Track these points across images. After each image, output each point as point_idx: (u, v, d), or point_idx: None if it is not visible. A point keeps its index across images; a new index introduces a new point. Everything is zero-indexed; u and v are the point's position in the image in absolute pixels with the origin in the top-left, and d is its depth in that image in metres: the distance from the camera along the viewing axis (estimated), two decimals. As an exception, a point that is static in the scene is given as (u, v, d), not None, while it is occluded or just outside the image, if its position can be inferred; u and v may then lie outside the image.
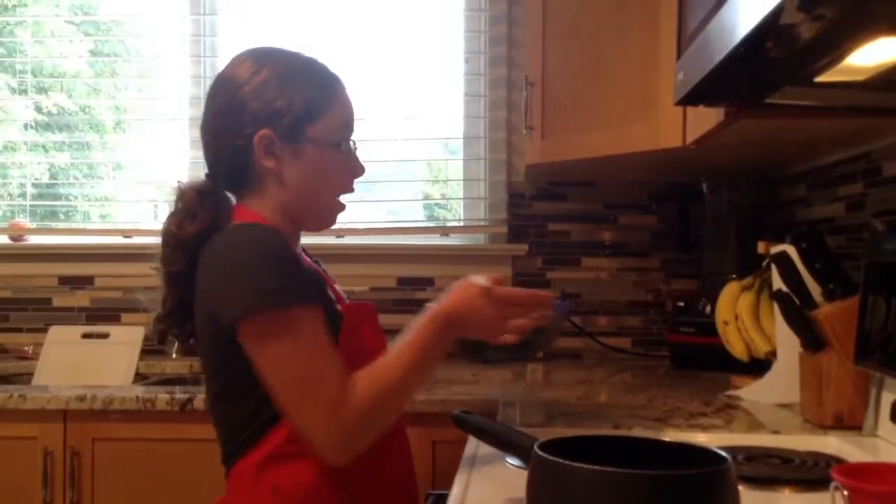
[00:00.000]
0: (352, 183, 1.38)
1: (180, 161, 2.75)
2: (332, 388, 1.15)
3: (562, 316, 1.39)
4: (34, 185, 2.88)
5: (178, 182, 1.34)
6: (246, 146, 1.27)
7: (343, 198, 1.38)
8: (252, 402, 1.22)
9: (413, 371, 1.21)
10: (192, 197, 1.30)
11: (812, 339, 1.51)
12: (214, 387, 1.29)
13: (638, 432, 1.47)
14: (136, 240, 2.71)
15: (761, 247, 1.82)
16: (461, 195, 2.80)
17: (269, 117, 1.27)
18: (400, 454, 1.40)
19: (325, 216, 1.38)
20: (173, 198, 1.32)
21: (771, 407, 1.70)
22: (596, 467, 0.76)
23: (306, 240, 1.46)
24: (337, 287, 1.41)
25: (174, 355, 2.54)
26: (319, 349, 1.18)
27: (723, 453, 0.80)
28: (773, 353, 1.77)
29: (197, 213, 1.30)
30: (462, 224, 2.78)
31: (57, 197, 2.92)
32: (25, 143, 2.89)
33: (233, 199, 1.36)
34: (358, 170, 1.38)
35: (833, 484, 0.90)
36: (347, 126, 1.35)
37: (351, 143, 1.36)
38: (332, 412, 1.15)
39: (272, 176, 1.30)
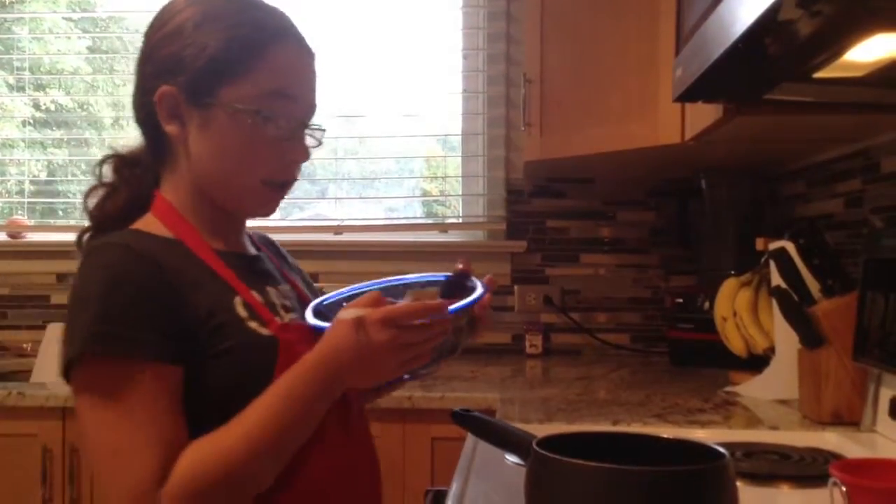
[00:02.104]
0: (286, 168, 1.07)
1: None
2: (139, 471, 0.89)
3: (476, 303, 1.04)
4: (32, 183, 2.88)
5: (111, 148, 1.14)
6: (152, 106, 1.03)
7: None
8: None
9: (268, 446, 0.92)
10: (113, 167, 1.11)
11: (810, 336, 1.51)
12: None
13: (637, 429, 1.47)
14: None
15: (760, 243, 1.82)
16: (460, 192, 2.80)
17: (173, 71, 1.02)
18: (367, 466, 1.15)
19: (248, 202, 1.08)
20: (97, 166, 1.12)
21: (769, 403, 1.70)
22: (594, 464, 0.76)
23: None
24: (280, 294, 1.11)
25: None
26: (136, 417, 0.91)
27: (721, 449, 0.80)
28: (772, 350, 1.78)
29: (118, 188, 1.10)
30: (461, 221, 2.78)
31: (55, 194, 2.92)
32: (23, 141, 2.88)
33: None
34: (297, 154, 1.07)
35: (831, 480, 0.90)
36: (285, 96, 1.04)
37: (290, 119, 1.05)
38: (138, 501, 0.88)
39: (180, 146, 1.05)
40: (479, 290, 1.04)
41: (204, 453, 0.90)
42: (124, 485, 0.89)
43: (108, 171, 1.11)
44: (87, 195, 1.11)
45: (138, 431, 0.90)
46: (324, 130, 1.12)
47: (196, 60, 1.01)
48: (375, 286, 1.13)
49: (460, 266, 1.09)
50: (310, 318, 1.04)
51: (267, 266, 1.16)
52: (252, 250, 1.16)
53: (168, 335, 0.94)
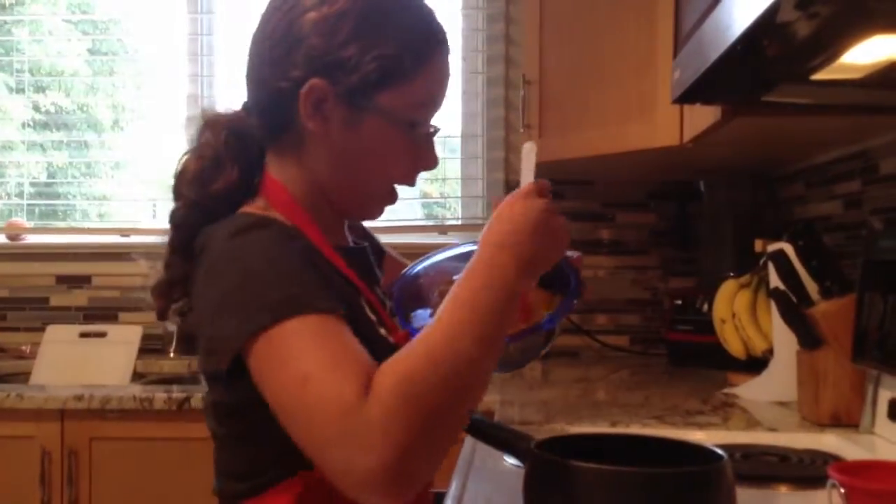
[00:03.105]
0: (415, 175, 1.05)
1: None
2: (337, 387, 0.78)
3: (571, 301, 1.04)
4: (32, 184, 2.88)
5: (205, 111, 1.06)
6: (290, 93, 0.95)
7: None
8: (266, 447, 0.92)
9: (470, 335, 0.82)
10: (220, 138, 1.00)
11: (809, 337, 1.51)
12: (218, 415, 1.00)
13: (635, 430, 1.47)
14: (135, 239, 2.70)
15: (758, 245, 1.82)
16: (459, 193, 2.80)
17: (331, 66, 0.94)
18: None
19: (370, 206, 1.06)
20: (197, 130, 1.03)
21: (768, 405, 1.70)
22: (593, 465, 0.76)
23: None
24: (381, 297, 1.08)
25: (171, 354, 2.54)
26: (325, 347, 0.82)
27: (719, 451, 0.81)
28: (771, 351, 1.77)
29: (223, 164, 0.99)
30: (460, 222, 2.78)
31: (55, 196, 2.92)
32: (23, 142, 2.88)
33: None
34: (429, 162, 1.04)
35: (830, 482, 0.90)
36: (433, 104, 1.01)
37: (431, 127, 1.03)
38: (345, 411, 0.77)
39: (315, 140, 0.98)
40: (573, 286, 1.03)
41: (403, 353, 0.82)
42: (324, 405, 0.78)
43: (217, 141, 1.01)
44: (183, 165, 1.01)
45: (326, 355, 0.81)
46: (438, 130, 1.05)
47: (362, 62, 0.94)
48: (454, 250, 1.14)
49: None
50: (415, 321, 1.02)
51: (371, 259, 1.12)
52: (351, 241, 1.11)
53: (320, 291, 0.88)
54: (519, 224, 0.90)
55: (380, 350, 0.87)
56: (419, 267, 1.14)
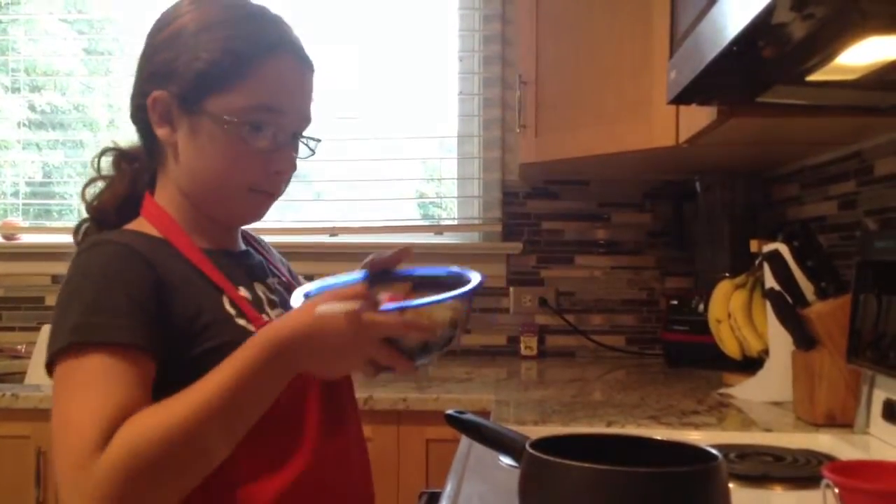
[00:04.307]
0: (270, 178, 1.07)
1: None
2: (82, 436, 0.87)
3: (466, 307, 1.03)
4: (27, 184, 2.88)
5: (113, 141, 1.15)
6: (144, 107, 1.05)
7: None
8: None
9: (215, 416, 0.89)
10: (113, 160, 1.13)
11: (804, 338, 1.52)
12: None
13: (631, 430, 1.47)
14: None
15: (754, 245, 1.82)
16: (455, 193, 2.80)
17: (168, 75, 1.04)
18: (358, 463, 1.15)
19: (231, 209, 1.09)
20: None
21: (763, 405, 1.71)
22: (588, 465, 0.76)
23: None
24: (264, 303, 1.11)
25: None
26: (95, 391, 0.89)
27: (714, 451, 0.81)
28: (766, 352, 1.78)
29: (115, 182, 1.12)
30: (456, 222, 2.78)
31: (50, 195, 2.91)
32: (19, 142, 2.88)
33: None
34: (282, 165, 1.07)
35: (824, 482, 0.90)
36: (273, 109, 1.04)
37: (278, 131, 1.06)
38: (79, 464, 0.86)
39: (171, 150, 1.07)
40: (478, 279, 1.03)
41: (146, 420, 0.88)
42: (66, 454, 0.88)
43: (106, 165, 1.13)
44: (85, 186, 1.12)
45: (90, 399, 0.89)
46: (319, 140, 1.12)
47: (187, 69, 1.03)
48: (345, 277, 1.15)
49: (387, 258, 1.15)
50: (296, 305, 1.03)
51: (253, 261, 1.17)
52: (241, 246, 1.17)
53: (153, 328, 0.94)
54: (317, 343, 0.92)
55: (238, 339, 0.95)
56: (319, 289, 1.14)
